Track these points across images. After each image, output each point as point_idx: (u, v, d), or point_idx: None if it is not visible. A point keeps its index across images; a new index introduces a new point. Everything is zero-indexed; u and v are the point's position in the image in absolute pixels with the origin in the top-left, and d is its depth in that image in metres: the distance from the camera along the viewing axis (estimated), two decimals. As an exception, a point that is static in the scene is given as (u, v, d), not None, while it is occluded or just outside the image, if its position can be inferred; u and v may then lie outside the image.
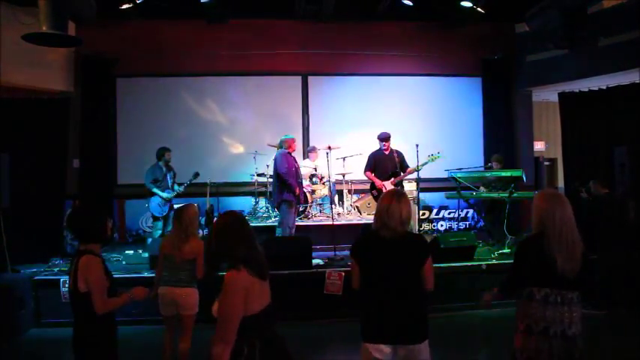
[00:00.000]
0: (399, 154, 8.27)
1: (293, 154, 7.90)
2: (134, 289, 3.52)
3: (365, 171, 8.42)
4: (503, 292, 3.33)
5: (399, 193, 3.38)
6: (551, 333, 3.06)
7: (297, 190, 7.69)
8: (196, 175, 8.44)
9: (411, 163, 8.29)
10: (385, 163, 8.29)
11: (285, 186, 7.59)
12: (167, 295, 4.52)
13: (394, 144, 8.56)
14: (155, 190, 8.15)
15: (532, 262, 3.15)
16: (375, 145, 9.71)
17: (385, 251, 3.24)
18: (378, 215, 3.33)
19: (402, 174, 8.21)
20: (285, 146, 7.83)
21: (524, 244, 3.30)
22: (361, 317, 3.29)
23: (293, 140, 7.96)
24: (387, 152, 8.31)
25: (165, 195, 8.21)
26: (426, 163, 8.09)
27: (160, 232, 8.28)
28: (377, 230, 3.30)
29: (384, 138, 8.35)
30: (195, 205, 4.94)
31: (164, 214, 8.29)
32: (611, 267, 6.76)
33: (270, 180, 9.39)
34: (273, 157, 7.98)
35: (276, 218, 9.13)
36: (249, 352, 2.63)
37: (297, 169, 7.88)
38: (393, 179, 8.21)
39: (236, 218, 2.87)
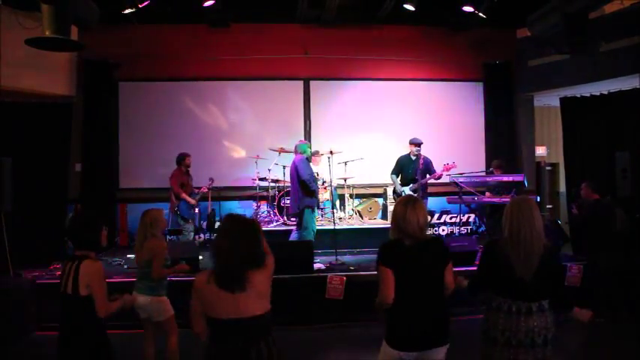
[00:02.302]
0: (425, 161, 8.31)
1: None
2: (125, 296, 3.66)
3: (391, 174, 8.62)
4: (470, 292, 3.42)
5: (412, 200, 3.34)
6: (515, 343, 3.13)
7: (318, 194, 7.95)
8: (211, 180, 8.91)
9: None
10: (408, 168, 8.46)
11: (308, 192, 7.70)
12: (135, 300, 4.54)
13: (395, 147, 8.63)
14: (184, 195, 8.43)
15: (492, 265, 3.26)
16: (375, 150, 9.89)
17: (411, 258, 3.21)
18: (394, 223, 3.30)
19: (420, 180, 8.29)
20: (299, 151, 7.95)
21: (487, 247, 3.38)
22: (389, 323, 3.23)
23: (307, 147, 8.12)
24: (413, 157, 8.42)
25: (192, 200, 8.50)
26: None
27: (192, 234, 8.51)
28: (398, 239, 3.27)
29: (413, 143, 8.46)
30: (161, 210, 5.06)
31: (193, 216, 8.63)
32: (600, 273, 6.79)
33: (272, 184, 9.43)
34: (292, 164, 8.03)
35: (278, 222, 9.16)
36: (213, 352, 2.76)
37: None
38: (411, 185, 8.34)
39: (230, 226, 2.88)
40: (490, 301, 3.27)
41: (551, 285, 3.23)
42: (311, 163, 9.73)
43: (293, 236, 8.00)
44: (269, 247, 3.06)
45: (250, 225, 2.92)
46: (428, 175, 8.28)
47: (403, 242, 3.24)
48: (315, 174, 9.53)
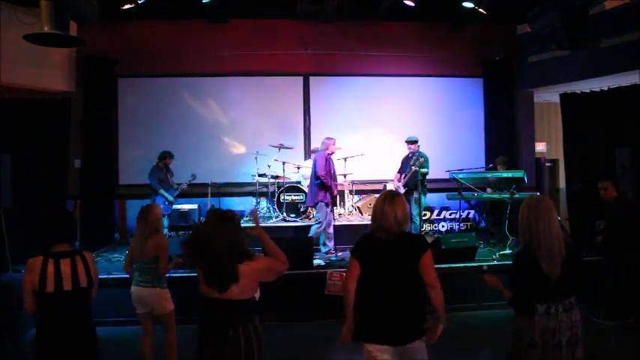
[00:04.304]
0: (418, 157, 8.38)
1: (332, 156, 8.21)
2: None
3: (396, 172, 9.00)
4: (516, 309, 3.29)
5: (392, 194, 3.37)
6: (554, 343, 3.12)
7: (335, 192, 8.04)
8: (194, 177, 8.83)
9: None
10: (403, 165, 8.80)
11: (323, 188, 7.86)
12: (136, 294, 4.64)
13: (394, 144, 8.77)
14: (161, 191, 8.42)
15: (527, 274, 3.21)
16: (375, 146, 9.95)
17: (382, 252, 3.23)
18: (373, 217, 3.35)
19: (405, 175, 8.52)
20: (322, 147, 8.12)
21: (517, 257, 3.35)
22: (358, 317, 3.27)
23: (333, 142, 8.18)
24: (410, 155, 8.64)
25: (169, 197, 8.48)
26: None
27: (166, 230, 8.45)
28: (373, 232, 3.31)
29: (405, 141, 8.78)
30: (159, 206, 5.24)
31: (168, 212, 8.59)
32: (620, 274, 6.49)
33: (272, 180, 9.43)
34: (314, 159, 8.23)
35: (277, 219, 9.17)
36: (200, 326, 3.01)
37: (334, 171, 8.15)
38: (402, 180, 8.61)
39: (214, 221, 3.02)
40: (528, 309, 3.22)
41: (576, 280, 3.24)
42: (310, 159, 9.83)
43: (313, 230, 8.07)
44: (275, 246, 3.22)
45: (230, 221, 3.01)
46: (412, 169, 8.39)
47: (377, 236, 3.27)
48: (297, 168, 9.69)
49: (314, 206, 8.13)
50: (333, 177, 8.05)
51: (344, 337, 3.31)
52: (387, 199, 3.29)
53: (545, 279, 3.13)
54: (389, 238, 3.24)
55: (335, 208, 9.20)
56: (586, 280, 3.38)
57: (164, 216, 8.34)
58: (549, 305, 3.15)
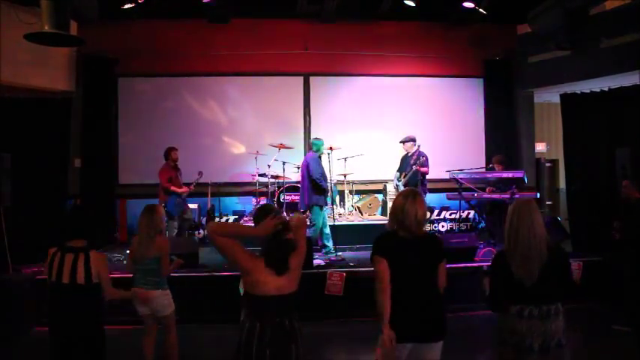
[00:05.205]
0: (419, 156, 8.39)
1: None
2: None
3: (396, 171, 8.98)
4: (491, 308, 3.35)
5: (413, 193, 3.33)
6: (526, 346, 3.10)
7: (328, 192, 8.01)
8: (200, 173, 8.77)
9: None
10: (402, 164, 8.80)
11: (318, 190, 7.81)
12: (137, 295, 4.57)
13: (394, 143, 8.98)
14: (173, 188, 8.26)
15: (500, 273, 3.24)
16: (375, 146, 9.89)
17: (408, 252, 3.21)
18: (393, 215, 3.30)
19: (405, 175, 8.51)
20: (313, 149, 8.07)
21: (494, 259, 3.36)
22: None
23: (322, 143, 8.15)
24: (408, 154, 8.66)
25: (183, 188, 8.35)
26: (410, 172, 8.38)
27: (177, 230, 8.39)
28: (395, 231, 3.28)
29: (400, 141, 8.83)
30: (162, 206, 5.10)
31: (179, 213, 8.46)
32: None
33: (272, 180, 9.43)
34: (305, 161, 8.12)
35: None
36: (249, 327, 3.01)
37: (323, 171, 8.09)
38: (402, 180, 8.57)
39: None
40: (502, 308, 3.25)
41: (561, 286, 3.19)
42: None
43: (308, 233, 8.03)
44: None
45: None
46: (413, 169, 8.38)
47: (401, 235, 3.24)
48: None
49: (309, 209, 8.02)
50: (324, 177, 7.98)
51: (387, 343, 3.13)
52: (408, 197, 3.26)
53: (518, 283, 3.12)
54: (411, 237, 3.22)
55: (335, 207, 9.22)
56: (574, 288, 3.33)
57: (173, 218, 8.33)
58: (523, 307, 3.13)
